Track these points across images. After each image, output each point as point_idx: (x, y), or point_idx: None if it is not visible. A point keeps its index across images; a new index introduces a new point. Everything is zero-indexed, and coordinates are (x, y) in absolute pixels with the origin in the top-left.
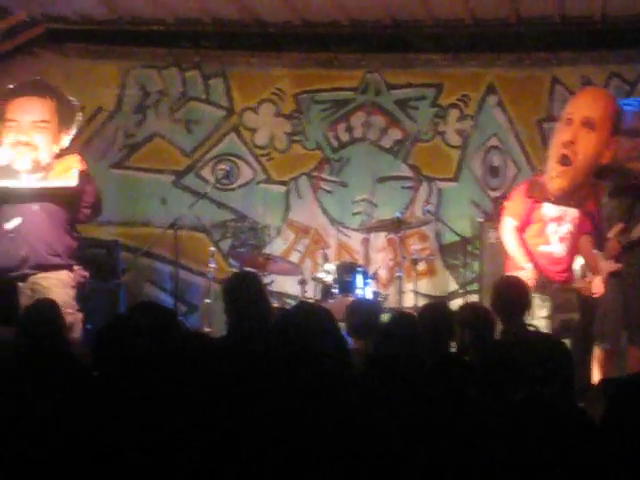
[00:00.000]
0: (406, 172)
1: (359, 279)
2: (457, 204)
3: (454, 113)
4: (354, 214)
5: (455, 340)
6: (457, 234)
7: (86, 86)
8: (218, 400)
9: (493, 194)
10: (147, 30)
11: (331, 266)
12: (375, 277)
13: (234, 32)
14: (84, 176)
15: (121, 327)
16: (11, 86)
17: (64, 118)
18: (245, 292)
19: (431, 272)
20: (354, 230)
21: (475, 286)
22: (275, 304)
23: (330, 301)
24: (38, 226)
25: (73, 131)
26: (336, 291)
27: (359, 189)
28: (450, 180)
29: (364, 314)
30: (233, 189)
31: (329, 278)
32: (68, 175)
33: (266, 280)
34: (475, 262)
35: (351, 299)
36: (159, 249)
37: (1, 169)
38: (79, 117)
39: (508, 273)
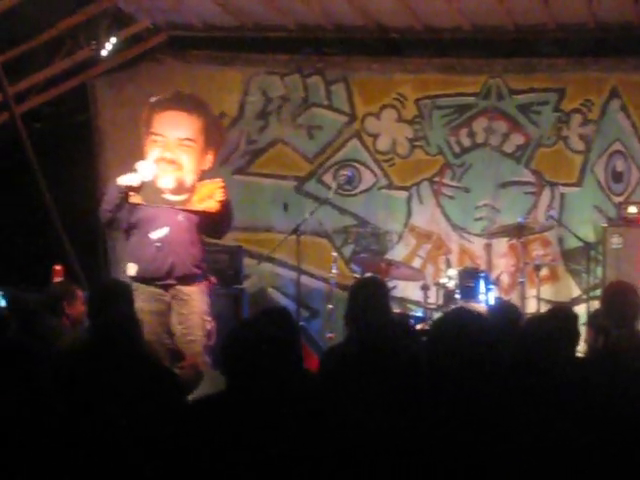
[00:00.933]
0: (528, 177)
1: (481, 285)
2: (580, 209)
3: (577, 118)
4: (476, 219)
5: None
6: (580, 239)
7: (209, 93)
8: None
9: (616, 199)
10: (270, 37)
11: (453, 272)
12: (497, 283)
13: (356, 38)
14: (226, 204)
15: (248, 334)
16: (160, 97)
17: (210, 138)
18: (371, 297)
19: (554, 278)
20: (476, 235)
21: (598, 292)
22: (397, 310)
23: (452, 307)
24: (183, 237)
25: (217, 153)
26: (458, 297)
27: (481, 194)
28: (573, 185)
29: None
30: (355, 195)
31: (451, 284)
32: (210, 203)
33: (388, 285)
34: (598, 268)
35: (473, 305)
36: (281, 255)
37: (145, 185)
38: (225, 139)
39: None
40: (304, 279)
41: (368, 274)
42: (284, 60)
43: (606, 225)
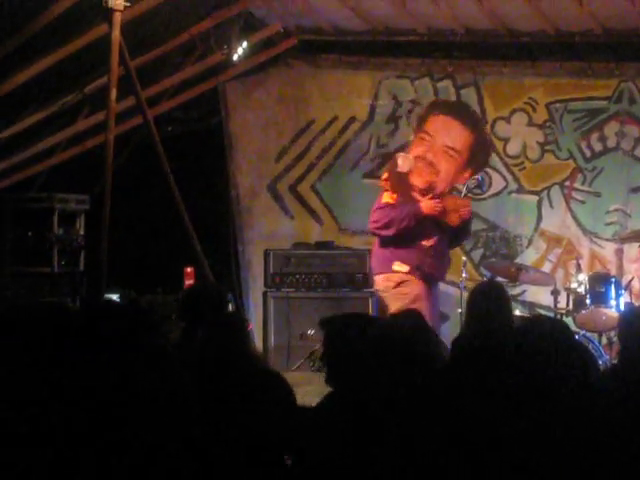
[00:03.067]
0: None
1: (612, 290)
2: None
3: None
4: (607, 224)
5: None
6: None
7: (339, 97)
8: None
9: None
10: (400, 41)
11: (584, 276)
12: (628, 288)
13: (486, 42)
14: (467, 223)
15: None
16: (443, 99)
17: (474, 157)
18: (488, 302)
19: None
20: (607, 240)
21: None
22: (527, 314)
23: (583, 312)
24: (444, 245)
25: (475, 174)
26: (588, 302)
27: (612, 199)
28: None
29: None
30: (485, 199)
31: (581, 289)
32: (451, 217)
33: (518, 290)
34: None
35: (603, 310)
36: None
37: (397, 174)
38: (487, 163)
39: None
40: None
41: (498, 279)
42: (414, 64)
43: None
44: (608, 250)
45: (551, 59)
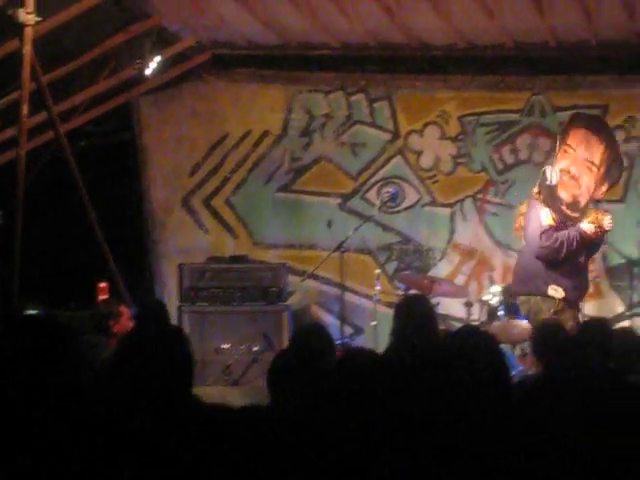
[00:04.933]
0: None
1: None
2: (624, 226)
3: (620, 134)
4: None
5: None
6: (624, 256)
7: (253, 111)
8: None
9: None
10: (313, 55)
11: (496, 288)
12: None
13: (399, 56)
14: (603, 235)
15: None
16: (584, 113)
17: (610, 172)
18: (416, 314)
19: (597, 294)
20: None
21: None
22: (441, 327)
23: (495, 323)
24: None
25: (610, 189)
26: (502, 313)
27: None
28: (617, 202)
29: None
30: (398, 212)
31: (495, 300)
32: (591, 227)
33: (432, 302)
34: None
35: (516, 322)
36: (325, 271)
37: (548, 187)
38: (621, 178)
39: None
40: (348, 296)
41: (412, 291)
42: (328, 78)
43: None
44: None
45: (463, 72)
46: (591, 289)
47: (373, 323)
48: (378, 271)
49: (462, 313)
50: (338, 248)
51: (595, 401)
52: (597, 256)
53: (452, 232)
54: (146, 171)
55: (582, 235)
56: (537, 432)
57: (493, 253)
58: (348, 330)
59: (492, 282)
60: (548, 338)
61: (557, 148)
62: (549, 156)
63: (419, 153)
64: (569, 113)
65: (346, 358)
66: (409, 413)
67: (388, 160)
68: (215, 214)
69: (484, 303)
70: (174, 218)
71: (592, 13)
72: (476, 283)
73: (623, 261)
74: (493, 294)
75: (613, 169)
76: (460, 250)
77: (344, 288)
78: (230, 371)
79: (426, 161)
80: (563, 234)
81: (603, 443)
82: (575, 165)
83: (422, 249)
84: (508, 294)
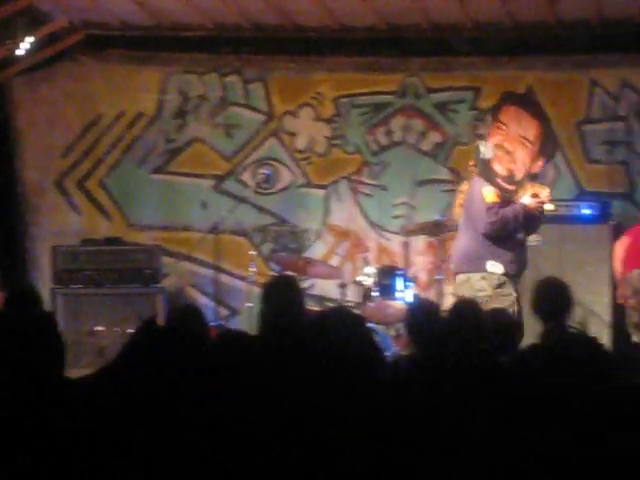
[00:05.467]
0: (446, 175)
1: (399, 282)
2: None
3: None
4: (394, 217)
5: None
6: None
7: (127, 92)
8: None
9: None
10: (187, 36)
11: (371, 269)
12: (415, 280)
13: (274, 37)
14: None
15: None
16: (514, 91)
17: (544, 146)
18: (283, 295)
19: None
20: (394, 233)
21: None
22: (316, 308)
23: (370, 304)
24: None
25: (546, 163)
26: (376, 294)
27: (399, 192)
28: None
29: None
30: (273, 193)
31: (369, 281)
32: (526, 199)
33: (306, 284)
34: None
35: (390, 302)
36: (200, 253)
37: (482, 161)
38: (555, 153)
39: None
40: (223, 277)
41: (287, 272)
42: (202, 59)
43: None
44: (395, 243)
45: (337, 54)
46: None
47: (249, 304)
48: (253, 253)
49: (337, 294)
50: (213, 230)
51: (467, 381)
52: None
53: (327, 213)
54: (19, 153)
55: (525, 209)
56: (409, 412)
57: (368, 234)
58: (224, 312)
59: (367, 263)
60: (421, 319)
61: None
62: (423, 137)
63: (294, 134)
64: (443, 94)
65: (219, 340)
66: (277, 394)
67: (262, 141)
68: (89, 196)
69: (359, 284)
70: (47, 200)
71: None
72: (351, 264)
73: None
74: (368, 275)
75: (547, 145)
76: (335, 231)
77: (219, 270)
78: (104, 353)
79: (301, 142)
80: (508, 209)
81: (474, 423)
82: (508, 141)
83: (297, 230)
84: (383, 274)
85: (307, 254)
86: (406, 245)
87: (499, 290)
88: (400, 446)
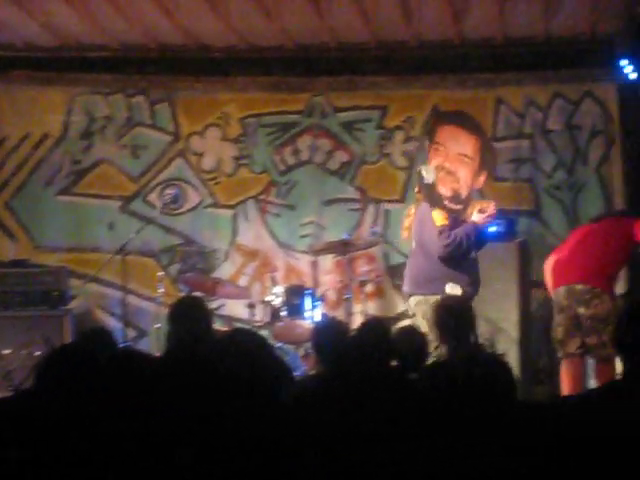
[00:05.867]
0: (353, 194)
1: (307, 302)
2: (405, 225)
3: (400, 135)
4: (302, 237)
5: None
6: (404, 255)
7: (32, 113)
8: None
9: None
10: (92, 56)
11: (279, 289)
12: (323, 299)
13: (179, 57)
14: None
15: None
16: (444, 111)
17: (485, 161)
18: (190, 316)
19: (379, 293)
20: (302, 253)
21: None
22: (224, 328)
23: (279, 324)
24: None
25: (489, 175)
26: (284, 314)
27: (306, 212)
28: (397, 201)
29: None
30: (181, 214)
31: (277, 301)
32: (475, 216)
33: (215, 304)
34: None
35: (299, 322)
36: (108, 275)
37: (426, 186)
38: (496, 163)
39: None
40: (131, 299)
41: (193, 293)
42: (107, 80)
43: None
44: (303, 262)
45: (244, 74)
46: (372, 288)
47: (157, 326)
48: (161, 273)
49: (246, 314)
50: (120, 251)
51: (374, 398)
52: (378, 255)
53: (235, 233)
54: None
55: (476, 227)
56: (312, 430)
57: (276, 254)
58: (132, 333)
59: (275, 283)
60: (328, 338)
61: (427, 148)
62: (330, 156)
63: (200, 155)
64: (350, 114)
65: (120, 361)
66: (178, 415)
67: (169, 162)
68: None
69: (267, 304)
70: None
71: (370, 14)
72: (259, 284)
73: (404, 260)
74: (276, 295)
75: (487, 157)
76: (243, 251)
77: (127, 291)
78: (11, 377)
79: (208, 163)
80: (460, 230)
81: (381, 441)
82: (449, 161)
83: (205, 251)
84: (291, 294)
85: (215, 274)
86: (314, 264)
87: None
88: (303, 464)
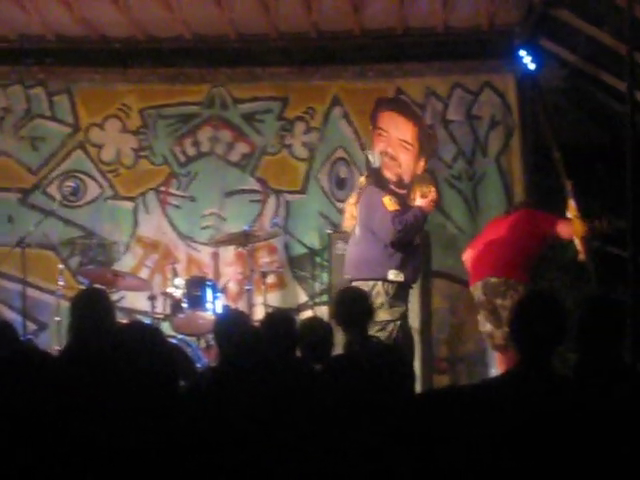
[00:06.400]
0: (254, 185)
1: (209, 293)
2: (305, 216)
3: (300, 126)
4: (203, 228)
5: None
6: (305, 246)
7: None
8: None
9: (340, 205)
10: None
11: (180, 281)
12: (225, 291)
13: (78, 49)
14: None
15: None
16: (384, 97)
17: (423, 147)
18: (91, 309)
19: (280, 285)
20: (203, 244)
21: (324, 297)
22: (125, 321)
23: (180, 316)
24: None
25: (427, 162)
26: (186, 306)
27: (207, 203)
28: (298, 193)
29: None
30: (80, 206)
31: (179, 293)
32: (419, 202)
33: (116, 296)
34: (324, 273)
35: (200, 313)
36: (6, 268)
37: (374, 170)
38: (435, 151)
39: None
40: (30, 292)
41: (94, 285)
42: (5, 71)
43: (331, 231)
44: (204, 254)
45: (143, 65)
46: (274, 279)
47: (57, 319)
48: (61, 266)
49: (146, 306)
50: (19, 243)
51: (275, 390)
52: (279, 246)
53: (135, 225)
54: None
55: (423, 212)
56: (209, 422)
57: (177, 246)
58: (32, 326)
59: (176, 275)
60: (229, 329)
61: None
62: (231, 148)
63: (100, 147)
64: (250, 105)
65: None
66: (74, 408)
67: (68, 154)
68: None
69: (168, 296)
70: None
71: (270, 5)
72: (160, 276)
73: (305, 251)
74: (177, 287)
75: (426, 144)
76: (143, 243)
77: (27, 284)
78: None
79: (107, 154)
80: (409, 215)
81: (281, 432)
82: (391, 146)
83: (105, 243)
84: (192, 286)
85: (116, 267)
86: (215, 256)
87: (391, 300)
88: (194, 457)
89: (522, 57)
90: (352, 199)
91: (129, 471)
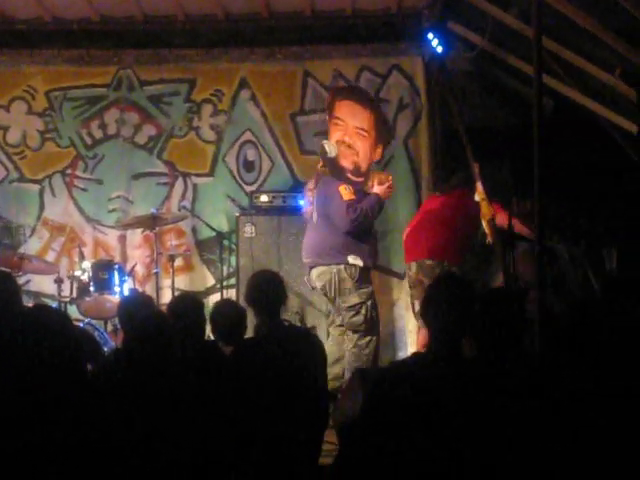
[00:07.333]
0: (161, 168)
1: (116, 276)
2: (213, 199)
3: (208, 108)
4: (110, 211)
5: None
6: (213, 229)
7: None
8: None
9: (248, 188)
10: None
11: (87, 264)
12: (132, 274)
13: None
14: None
15: None
16: (340, 86)
17: (380, 134)
18: None
19: (188, 268)
20: (110, 227)
21: (232, 280)
22: (31, 304)
23: (87, 299)
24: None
25: (384, 149)
26: (93, 289)
27: (114, 186)
28: (205, 175)
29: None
30: None
31: (85, 276)
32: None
33: (22, 280)
34: (232, 257)
35: (107, 297)
36: None
37: (330, 160)
38: (392, 137)
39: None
40: None
41: (1, 269)
42: None
43: (239, 214)
44: (111, 237)
45: (49, 47)
46: (181, 263)
47: None
48: None
49: (53, 290)
50: None
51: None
52: (187, 229)
53: (42, 208)
54: None
55: (379, 199)
56: (112, 405)
57: (83, 228)
58: None
59: (83, 258)
60: (132, 312)
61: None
62: (138, 130)
63: (5, 129)
64: (157, 87)
65: None
66: None
67: None
68: None
69: (75, 279)
70: None
71: None
72: (67, 259)
73: (213, 234)
74: (84, 270)
75: (382, 131)
76: (50, 226)
77: None
78: None
79: (13, 137)
80: (365, 202)
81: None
82: (348, 135)
83: (11, 226)
84: (99, 269)
85: (22, 250)
86: (122, 239)
87: (357, 283)
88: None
89: (430, 40)
90: (310, 184)
91: (34, 454)
